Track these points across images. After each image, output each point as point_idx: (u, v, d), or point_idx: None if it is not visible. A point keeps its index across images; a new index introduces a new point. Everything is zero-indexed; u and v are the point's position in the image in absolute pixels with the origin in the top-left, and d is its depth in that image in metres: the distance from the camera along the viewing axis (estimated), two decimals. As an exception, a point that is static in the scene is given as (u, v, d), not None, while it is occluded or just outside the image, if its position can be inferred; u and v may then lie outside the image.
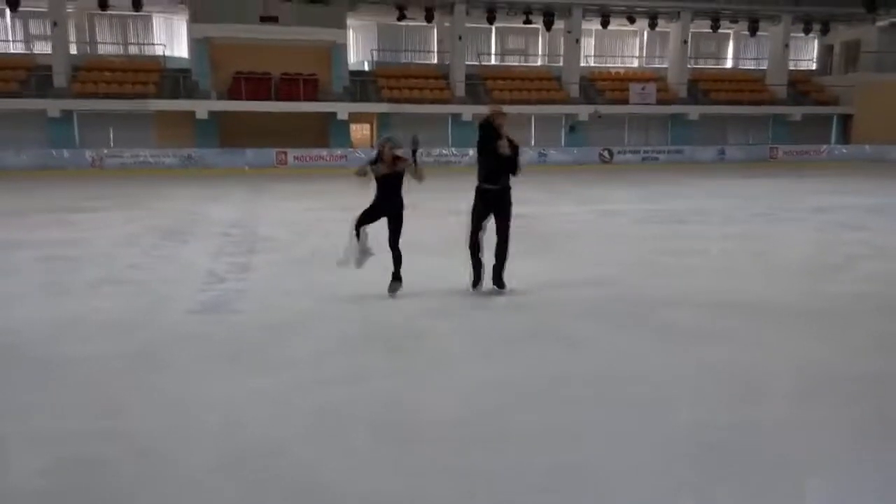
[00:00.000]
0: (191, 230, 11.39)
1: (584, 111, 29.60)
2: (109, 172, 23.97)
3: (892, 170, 25.53)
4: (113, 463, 3.56)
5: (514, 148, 6.68)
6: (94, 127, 26.04)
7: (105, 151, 25.14)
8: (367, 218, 6.74)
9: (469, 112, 28.41)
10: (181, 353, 5.26)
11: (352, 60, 29.32)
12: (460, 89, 29.17)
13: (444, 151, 27.49)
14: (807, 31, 32.75)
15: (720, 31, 32.38)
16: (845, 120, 32.67)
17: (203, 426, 3.99)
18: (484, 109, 28.71)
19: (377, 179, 6.70)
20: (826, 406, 4.29)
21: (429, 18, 29.07)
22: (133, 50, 28.75)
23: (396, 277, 6.79)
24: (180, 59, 28.45)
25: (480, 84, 29.90)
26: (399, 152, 6.73)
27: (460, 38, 28.94)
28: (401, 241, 6.76)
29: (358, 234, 6.71)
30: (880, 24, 31.32)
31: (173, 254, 9.34)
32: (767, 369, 4.94)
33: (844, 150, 31.34)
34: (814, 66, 35.58)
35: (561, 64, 31.26)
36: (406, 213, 6.66)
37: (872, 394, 4.47)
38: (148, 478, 3.42)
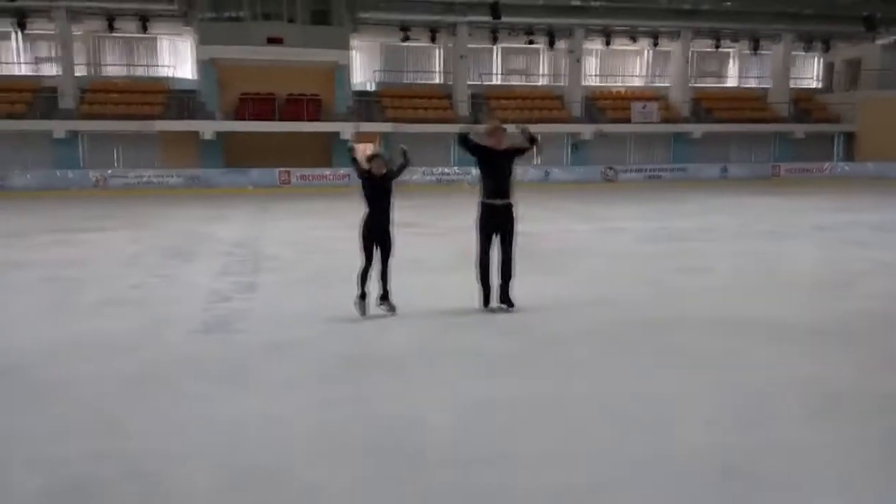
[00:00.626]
0: (195, 250, 11.39)
1: (587, 130, 29.69)
2: (113, 192, 24.07)
3: (894, 187, 25.48)
4: (112, 484, 3.52)
5: (531, 139, 6.95)
6: (99, 148, 26.22)
7: (109, 172, 25.25)
8: (368, 263, 6.76)
9: (472, 132, 28.47)
10: (183, 373, 5.22)
11: (355, 81, 29.50)
12: (463, 109, 29.30)
13: (446, 170, 27.54)
14: (808, 49, 32.93)
15: (722, 49, 32.57)
16: (848, 137, 32.70)
17: (204, 448, 3.94)
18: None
19: (371, 186, 6.77)
20: (838, 426, 4.22)
21: (432, 39, 29.32)
22: (139, 71, 29.00)
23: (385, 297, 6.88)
24: (186, 80, 28.67)
25: (483, 103, 30.04)
26: (384, 170, 6.87)
27: (463, 57, 29.12)
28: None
29: (363, 295, 6.73)
30: (881, 42, 31.47)
31: (177, 273, 9.33)
32: (777, 389, 4.87)
33: (847, 168, 31.34)
34: (816, 85, 35.69)
35: (564, 83, 31.43)
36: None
37: (885, 412, 4.40)
38: (147, 500, 3.37)
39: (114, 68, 28.83)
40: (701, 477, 3.57)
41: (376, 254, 6.75)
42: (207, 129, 25.69)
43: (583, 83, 31.11)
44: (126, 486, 3.51)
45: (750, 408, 4.49)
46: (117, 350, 5.79)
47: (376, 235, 6.75)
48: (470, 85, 29.85)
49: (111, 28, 26.31)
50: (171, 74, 28.80)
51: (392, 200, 6.85)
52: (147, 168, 25.85)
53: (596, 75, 33.23)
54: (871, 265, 9.78)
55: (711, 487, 3.47)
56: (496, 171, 6.75)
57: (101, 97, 26.39)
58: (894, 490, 3.45)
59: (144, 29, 26.55)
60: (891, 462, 3.73)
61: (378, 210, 6.76)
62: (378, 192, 6.80)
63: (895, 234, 12.98)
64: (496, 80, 32.26)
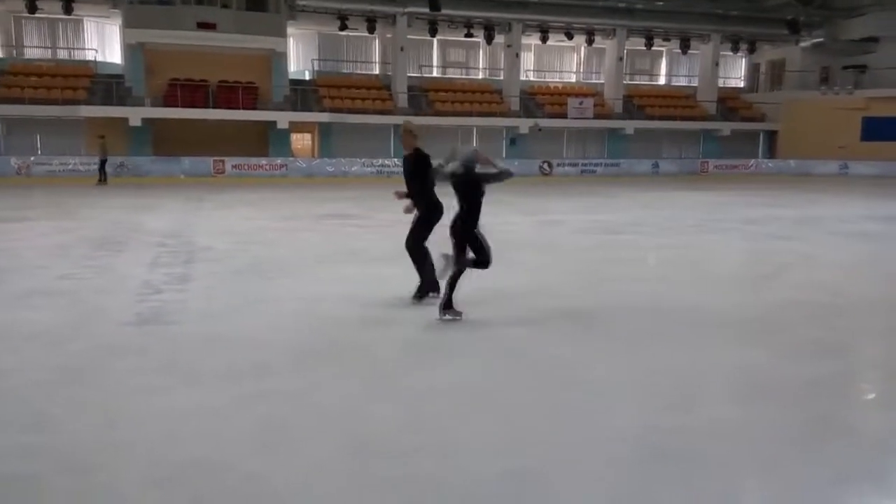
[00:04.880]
0: (125, 240, 11.03)
1: (524, 124, 30.04)
2: (37, 180, 23.03)
3: (815, 183, 26.74)
4: (40, 480, 3.39)
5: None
6: (20, 133, 25.04)
7: (32, 159, 24.15)
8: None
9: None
10: (115, 365, 5.06)
11: (292, 69, 29.02)
12: (403, 100, 29.22)
13: (385, 162, 27.42)
14: (735, 50, 34.14)
15: (654, 48, 33.43)
16: (771, 135, 34.10)
17: (138, 441, 3.83)
18: (431, 121, 29.00)
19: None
20: (764, 409, 4.42)
21: (371, 29, 29.10)
22: (63, 55, 27.79)
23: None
24: (113, 64, 27.66)
25: (422, 95, 30.02)
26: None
27: (402, 49, 29.01)
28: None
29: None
30: (803, 44, 32.88)
31: (107, 264, 9.01)
32: (707, 374, 5.07)
33: (771, 165, 32.69)
34: (742, 84, 37.04)
35: (502, 77, 31.69)
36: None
37: (808, 397, 4.63)
38: (78, 495, 3.27)
39: (36, 50, 27.55)
40: (634, 460, 3.69)
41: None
42: (135, 115, 24.86)
43: (520, 78, 31.45)
44: (58, 481, 3.39)
45: (679, 393, 4.66)
46: (46, 342, 5.57)
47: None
48: (409, 77, 29.77)
49: (33, 9, 25.09)
50: (96, 58, 27.69)
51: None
52: (73, 155, 24.83)
53: (533, 70, 33.63)
54: (794, 257, 10.25)
55: (644, 470, 3.59)
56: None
57: (22, 80, 25.19)
58: (815, 468, 3.64)
59: (69, 10, 25.42)
60: (812, 442, 3.94)
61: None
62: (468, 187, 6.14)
63: (816, 228, 13.63)
64: (435, 73, 32.27)
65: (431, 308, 6.64)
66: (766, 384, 4.85)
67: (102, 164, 22.03)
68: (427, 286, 6.82)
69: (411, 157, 6.81)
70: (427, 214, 6.74)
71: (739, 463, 3.70)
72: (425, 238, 6.79)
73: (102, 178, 21.92)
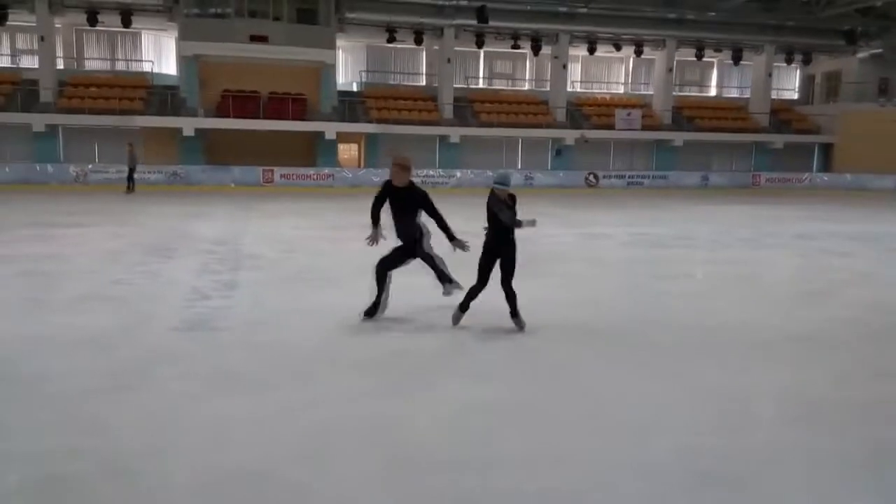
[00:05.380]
0: (175, 247, 11.28)
1: (570, 135, 29.83)
2: (93, 188, 23.77)
3: (872, 198, 25.89)
4: (89, 482, 3.47)
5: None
6: (79, 142, 25.90)
7: (89, 167, 24.94)
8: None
9: (457, 134, 28.55)
10: (163, 370, 5.16)
11: (341, 81, 29.41)
12: (448, 111, 29.32)
13: (430, 172, 27.54)
14: (789, 61, 33.34)
15: (704, 59, 32.87)
16: (826, 149, 33.15)
17: (184, 446, 3.90)
18: (476, 132, 28.99)
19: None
20: (816, 433, 4.27)
21: (418, 41, 29.29)
22: (120, 66, 28.70)
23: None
24: (168, 75, 28.42)
25: (468, 106, 30.09)
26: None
27: (449, 60, 29.15)
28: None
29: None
30: (860, 55, 31.95)
31: (157, 270, 9.23)
32: (755, 395, 4.93)
33: (826, 179, 31.77)
34: (796, 96, 36.16)
35: (548, 89, 31.55)
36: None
37: (862, 420, 4.46)
38: (124, 499, 3.33)
39: (95, 62, 28.51)
40: (680, 482, 3.59)
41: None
42: (189, 125, 25.48)
43: (567, 89, 31.27)
44: (104, 483, 3.47)
45: (729, 414, 4.53)
46: (96, 346, 5.71)
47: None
48: (455, 88, 29.88)
49: (93, 21, 25.98)
50: (152, 70, 28.52)
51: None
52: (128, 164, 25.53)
53: (580, 81, 33.42)
54: (849, 274, 9.92)
55: (691, 492, 3.50)
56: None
57: (81, 91, 26.06)
58: (870, 496, 3.49)
59: (127, 23, 26.25)
60: (867, 470, 3.78)
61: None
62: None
63: (872, 245, 13.18)
64: (481, 84, 32.32)
65: (477, 319, 6.59)
66: (817, 406, 4.69)
67: (131, 172, 22.32)
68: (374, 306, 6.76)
69: (404, 192, 6.56)
70: (410, 246, 6.71)
71: (789, 490, 3.57)
72: (396, 266, 6.77)
73: (130, 186, 22.23)
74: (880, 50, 31.18)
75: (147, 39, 28.93)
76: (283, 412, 4.40)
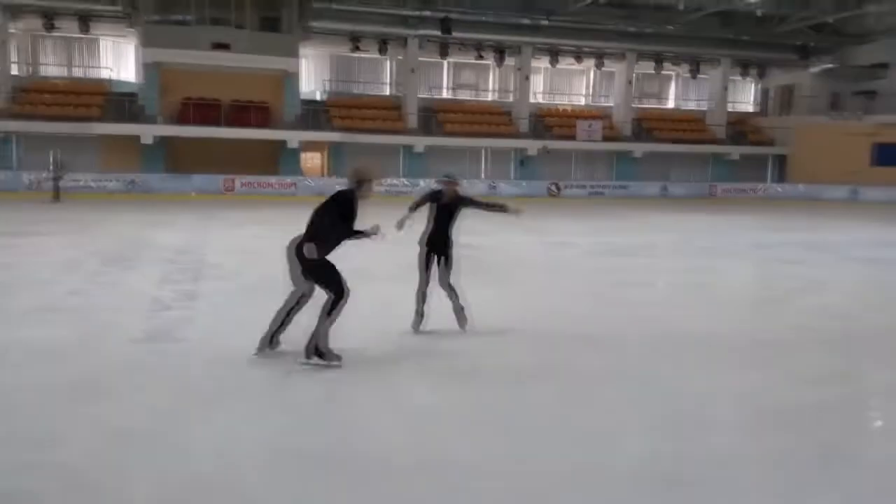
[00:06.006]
0: (135, 256, 11.09)
1: (533, 146, 30.15)
2: (50, 196, 23.20)
3: (825, 208, 26.64)
4: (47, 497, 3.40)
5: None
6: (35, 150, 25.27)
7: (45, 175, 24.36)
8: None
9: (421, 143, 28.63)
10: (123, 382, 5.07)
11: (304, 89, 29.28)
12: (413, 121, 29.41)
13: (395, 182, 27.55)
14: (745, 74, 34.24)
15: (663, 72, 33.55)
16: (781, 160, 34.06)
17: (144, 460, 3.84)
18: (441, 141, 29.06)
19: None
20: (773, 435, 4.39)
21: (382, 51, 29.35)
22: (78, 72, 28.15)
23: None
24: (127, 82, 27.96)
25: (433, 116, 30.21)
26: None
27: (413, 70, 29.25)
28: (352, 270, 6.69)
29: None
30: (813, 70, 32.92)
31: (116, 280, 9.07)
32: (715, 400, 5.04)
33: (780, 189, 32.60)
34: (751, 109, 37.09)
35: (511, 99, 31.86)
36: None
37: (816, 423, 4.60)
38: (86, 513, 3.27)
39: (52, 68, 27.91)
40: (641, 486, 3.66)
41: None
42: (149, 133, 25.11)
43: (530, 100, 31.62)
44: (63, 498, 3.40)
45: (687, 419, 4.63)
46: (53, 357, 5.59)
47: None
48: (420, 98, 29.99)
49: (50, 27, 25.48)
50: (111, 77, 28.03)
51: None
52: (85, 172, 25.06)
53: (543, 93, 33.81)
54: (804, 282, 10.20)
55: (651, 497, 3.56)
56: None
57: (36, 97, 25.51)
58: (824, 495, 3.60)
59: (85, 29, 25.80)
60: (820, 471, 3.90)
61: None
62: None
63: (825, 253, 13.57)
64: (445, 94, 32.48)
65: (440, 328, 6.63)
66: (774, 410, 4.81)
67: (56, 179, 21.54)
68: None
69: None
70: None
71: (747, 490, 3.67)
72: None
73: (56, 194, 21.48)
74: (832, 65, 32.18)
75: (106, 46, 28.43)
76: (244, 423, 4.36)
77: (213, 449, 3.97)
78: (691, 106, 35.94)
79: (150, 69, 25.78)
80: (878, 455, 4.24)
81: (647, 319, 7.46)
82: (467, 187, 6.53)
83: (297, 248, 5.49)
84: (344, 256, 5.68)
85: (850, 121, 31.20)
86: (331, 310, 5.39)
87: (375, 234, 5.66)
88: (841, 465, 3.99)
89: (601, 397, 5.01)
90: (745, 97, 37.28)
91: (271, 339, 5.70)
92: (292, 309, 5.71)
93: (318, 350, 5.42)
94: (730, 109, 34.47)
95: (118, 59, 28.66)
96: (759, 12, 28.34)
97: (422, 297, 6.58)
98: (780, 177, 34.04)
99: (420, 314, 6.61)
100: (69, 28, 25.98)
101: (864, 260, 12.82)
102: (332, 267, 5.48)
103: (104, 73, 28.18)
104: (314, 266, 5.40)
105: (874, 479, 3.85)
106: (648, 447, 4.13)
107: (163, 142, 25.68)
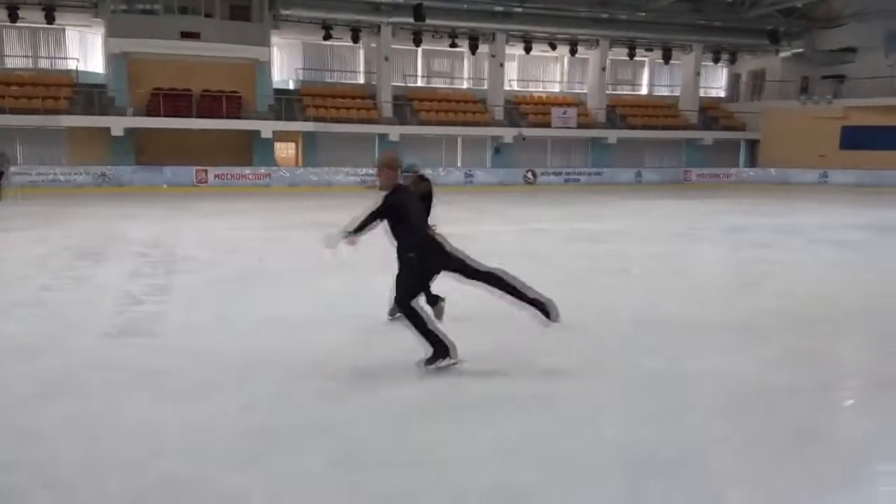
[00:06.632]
0: (106, 251, 10.92)
1: (508, 133, 30.15)
2: (17, 191, 22.75)
3: (795, 191, 27.03)
4: (21, 494, 3.34)
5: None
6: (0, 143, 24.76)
7: (12, 169, 23.87)
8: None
9: (396, 132, 28.49)
10: (94, 378, 5.00)
11: (276, 78, 28.96)
12: (387, 109, 29.24)
13: (370, 171, 27.39)
14: (716, 60, 34.48)
15: (636, 58, 33.69)
16: (752, 144, 34.44)
17: (119, 455, 3.79)
18: (415, 130, 28.91)
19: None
20: (747, 418, 4.45)
21: (355, 39, 29.08)
22: (44, 64, 27.55)
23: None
24: (95, 73, 27.43)
25: (407, 105, 30.07)
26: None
27: (387, 58, 29.05)
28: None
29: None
30: (783, 55, 33.27)
31: (87, 275, 8.92)
32: (690, 384, 5.09)
33: (752, 173, 32.99)
34: (723, 94, 37.42)
35: (486, 87, 31.80)
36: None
37: (788, 404, 4.67)
38: (58, 512, 3.23)
39: (16, 59, 27.29)
40: (619, 471, 3.69)
41: None
42: (118, 125, 24.70)
43: (504, 87, 31.60)
44: (37, 495, 3.35)
45: (663, 403, 4.68)
46: (24, 354, 5.49)
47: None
48: (393, 86, 29.82)
49: (14, 17, 24.88)
50: (78, 68, 27.48)
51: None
52: (54, 165, 24.61)
53: (517, 80, 33.79)
54: (775, 265, 10.34)
55: (630, 481, 3.60)
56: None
57: (2, 90, 24.93)
58: (796, 475, 3.66)
59: (51, 19, 25.23)
60: (793, 452, 3.96)
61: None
62: None
63: (797, 237, 13.76)
64: (420, 82, 32.33)
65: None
66: (748, 393, 4.88)
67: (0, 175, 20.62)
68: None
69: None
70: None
71: (722, 472, 3.72)
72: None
73: None
74: (801, 50, 32.54)
75: (72, 36, 27.83)
76: (219, 417, 4.32)
77: (187, 445, 3.93)
78: (664, 92, 36.17)
79: (117, 59, 25.33)
80: (850, 434, 4.32)
81: (622, 305, 7.52)
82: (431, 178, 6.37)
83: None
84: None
85: (820, 105, 31.63)
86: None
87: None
88: (813, 445, 4.06)
89: (578, 383, 5.04)
90: (717, 82, 37.59)
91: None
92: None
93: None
94: (702, 95, 34.76)
95: (85, 50, 28.09)
96: (729, -3, 28.57)
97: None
98: (752, 161, 34.45)
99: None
100: (34, 18, 25.38)
101: (835, 242, 13.03)
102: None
103: (71, 64, 27.60)
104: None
105: (846, 457, 3.93)
106: (624, 434, 4.16)
107: (133, 133, 25.28)
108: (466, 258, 5.39)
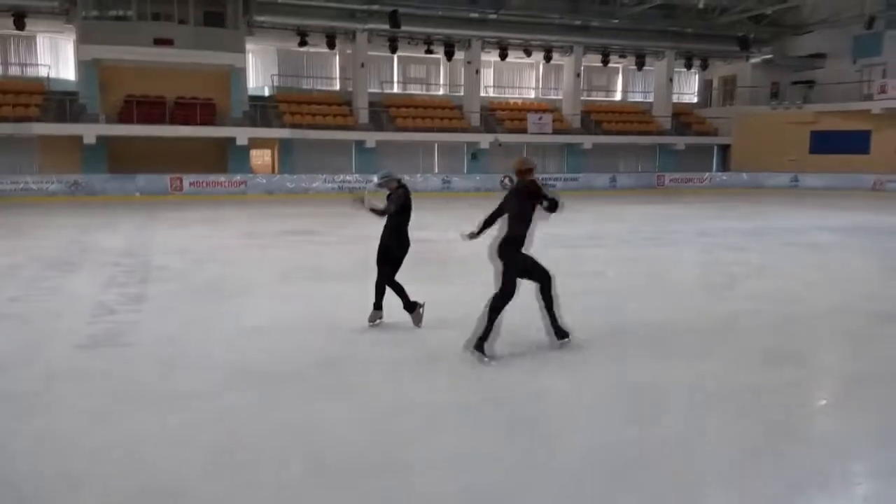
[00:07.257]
0: (78, 260, 10.78)
1: (485, 139, 30.26)
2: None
3: (767, 195, 27.43)
4: (-9, 512, 3.29)
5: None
6: (-32, 152, 24.36)
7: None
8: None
9: (372, 139, 28.45)
10: (67, 390, 4.94)
11: (252, 85, 28.80)
12: (363, 116, 29.20)
13: (347, 178, 27.35)
14: (688, 66, 34.94)
15: (610, 65, 34.03)
16: (724, 149, 34.93)
17: (94, 468, 3.75)
18: (392, 136, 28.81)
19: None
20: (720, 419, 4.51)
21: (331, 45, 29.00)
22: (14, 71, 27.13)
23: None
24: (66, 81, 27.06)
25: (383, 111, 30.06)
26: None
27: (363, 65, 29.04)
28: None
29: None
30: (753, 61, 33.80)
31: (59, 285, 8.80)
32: (664, 386, 5.15)
33: (724, 178, 33.43)
34: (695, 99, 37.92)
35: (462, 93, 31.91)
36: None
37: (761, 405, 4.74)
38: (31, 525, 3.18)
39: (-15, 67, 26.86)
40: (594, 474, 3.73)
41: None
42: (90, 132, 24.38)
43: (480, 94, 31.73)
44: (6, 511, 3.30)
45: (638, 406, 4.73)
46: (-7, 368, 5.40)
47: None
48: (370, 93, 29.80)
49: (-18, 24, 24.52)
50: (49, 75, 27.11)
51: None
52: (25, 174, 24.23)
53: (493, 86, 33.95)
54: (747, 268, 10.49)
55: (605, 484, 3.63)
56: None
57: (-29, 97, 24.53)
58: (769, 475, 3.72)
59: (21, 26, 24.86)
60: (767, 450, 4.03)
61: None
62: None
63: (768, 239, 13.97)
64: (396, 89, 32.35)
65: (391, 326, 6.64)
66: (721, 394, 4.95)
67: None
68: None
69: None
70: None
71: (696, 473, 3.77)
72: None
73: None
74: (771, 56, 33.10)
75: (43, 43, 27.44)
76: (195, 427, 4.29)
77: (163, 456, 3.90)
78: (637, 98, 36.57)
79: (89, 66, 25.02)
80: (824, 432, 4.40)
81: (595, 309, 7.58)
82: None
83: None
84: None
85: (790, 110, 32.16)
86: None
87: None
88: (784, 443, 4.12)
89: (555, 387, 5.07)
90: (689, 88, 38.09)
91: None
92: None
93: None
94: (675, 101, 35.19)
95: (56, 57, 27.71)
96: (700, 4, 28.93)
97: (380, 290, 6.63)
98: (724, 166, 34.92)
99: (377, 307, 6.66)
100: (4, 25, 24.99)
101: (805, 245, 13.25)
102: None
103: (42, 72, 27.22)
104: None
105: (819, 456, 4.00)
106: (599, 437, 4.20)
107: (105, 141, 24.96)
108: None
